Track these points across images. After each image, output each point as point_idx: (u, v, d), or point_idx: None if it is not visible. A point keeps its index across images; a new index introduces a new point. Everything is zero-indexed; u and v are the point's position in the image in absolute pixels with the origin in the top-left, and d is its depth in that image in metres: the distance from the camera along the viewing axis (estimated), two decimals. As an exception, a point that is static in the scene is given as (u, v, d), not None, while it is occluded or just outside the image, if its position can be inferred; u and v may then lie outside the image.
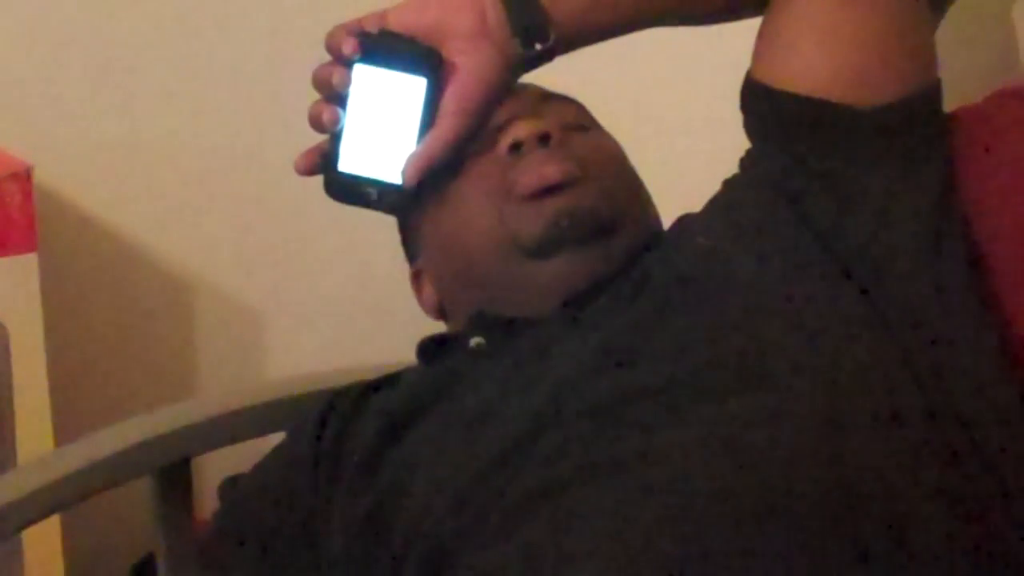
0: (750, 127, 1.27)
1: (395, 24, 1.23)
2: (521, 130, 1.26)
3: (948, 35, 1.43)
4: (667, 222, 1.31)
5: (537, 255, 1.23)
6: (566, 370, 1.14)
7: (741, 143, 1.27)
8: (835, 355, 1.09)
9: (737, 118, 1.28)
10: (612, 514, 1.02)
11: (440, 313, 1.36)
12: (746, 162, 1.27)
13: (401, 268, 1.39)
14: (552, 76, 1.29)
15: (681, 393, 1.08)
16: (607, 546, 1.01)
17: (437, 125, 1.22)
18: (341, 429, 1.29)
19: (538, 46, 1.23)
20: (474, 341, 1.26)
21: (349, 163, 1.24)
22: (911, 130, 1.22)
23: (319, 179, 1.25)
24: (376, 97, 1.23)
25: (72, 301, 2.31)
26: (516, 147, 1.26)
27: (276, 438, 1.40)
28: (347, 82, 1.22)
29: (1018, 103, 1.31)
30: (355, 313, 2.58)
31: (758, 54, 1.27)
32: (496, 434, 1.13)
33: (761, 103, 1.25)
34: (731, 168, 1.27)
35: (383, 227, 1.39)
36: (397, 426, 1.23)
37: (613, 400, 1.10)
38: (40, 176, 2.06)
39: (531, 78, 1.29)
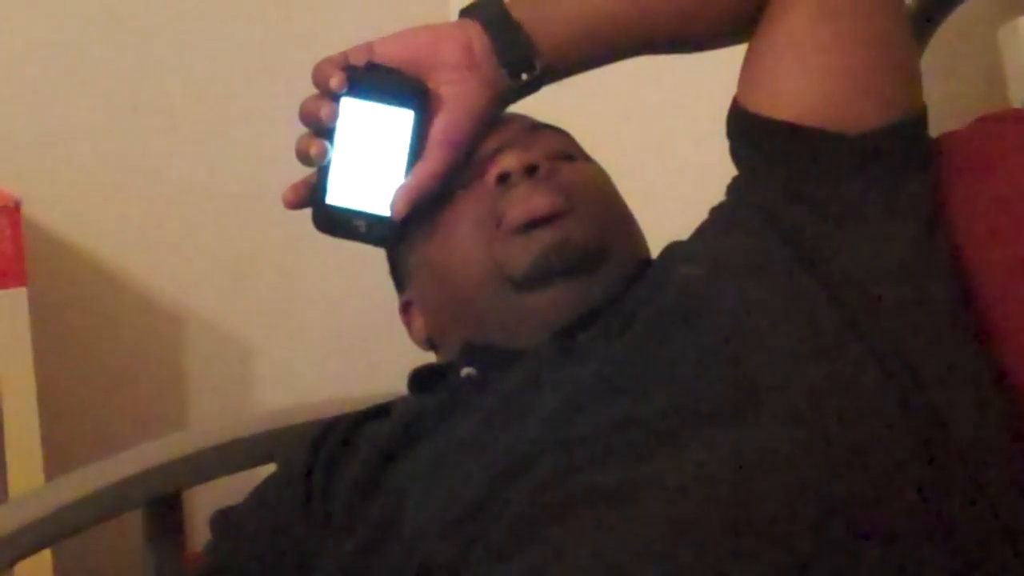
0: (736, 154, 1.27)
1: (381, 56, 1.24)
2: (508, 161, 1.26)
3: (934, 60, 1.43)
4: (655, 250, 1.31)
5: (526, 288, 1.23)
6: (557, 401, 1.13)
7: (728, 170, 1.28)
8: (824, 383, 1.09)
9: (724, 145, 1.28)
10: (604, 544, 1.01)
11: (430, 344, 1.35)
12: (733, 189, 1.27)
13: (390, 299, 1.39)
14: (539, 106, 1.30)
15: (672, 423, 1.07)
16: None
17: (425, 157, 1.23)
18: (332, 460, 1.29)
19: (524, 76, 1.24)
20: (465, 372, 1.26)
21: (337, 196, 1.24)
22: (897, 156, 1.22)
23: (308, 212, 1.26)
24: (363, 130, 1.23)
25: (62, 334, 2.31)
26: (504, 178, 1.26)
27: (267, 470, 1.40)
28: (334, 115, 1.23)
29: (1004, 128, 1.31)
30: (345, 344, 2.58)
31: (744, 81, 1.27)
32: (488, 464, 1.12)
33: (747, 130, 1.25)
34: (718, 195, 1.28)
35: (372, 259, 1.39)
36: (389, 456, 1.23)
37: (604, 430, 1.09)
38: (29, 210, 2.06)
39: (518, 108, 1.29)
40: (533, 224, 1.23)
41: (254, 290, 2.54)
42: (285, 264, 2.52)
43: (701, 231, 1.27)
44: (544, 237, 1.23)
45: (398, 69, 1.23)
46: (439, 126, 1.23)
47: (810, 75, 1.22)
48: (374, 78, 1.23)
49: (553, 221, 1.24)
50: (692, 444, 1.05)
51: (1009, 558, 1.08)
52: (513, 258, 1.23)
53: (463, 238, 1.26)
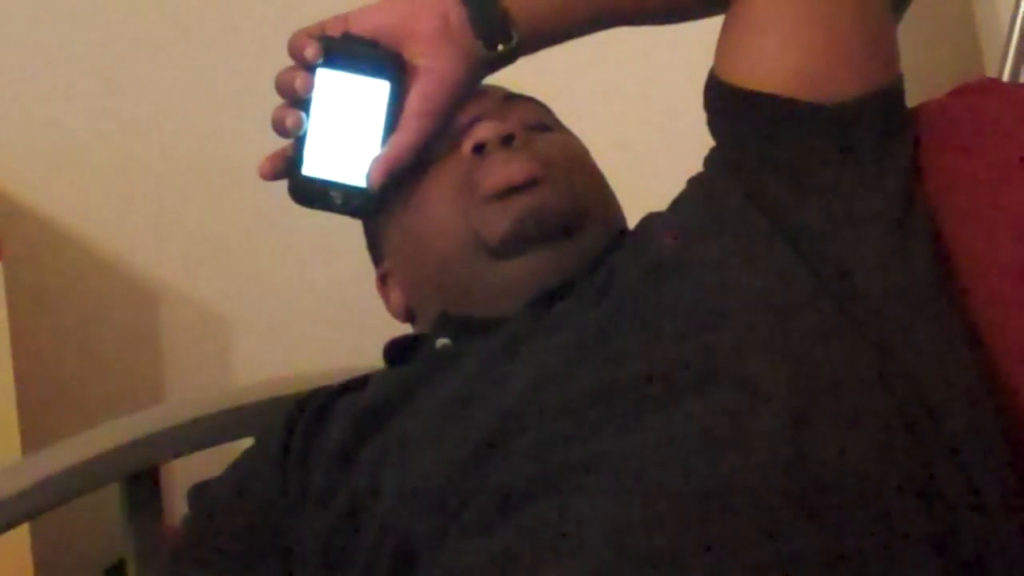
0: (714, 125, 1.27)
1: (357, 27, 1.23)
2: (484, 131, 1.27)
3: (911, 30, 1.43)
4: (632, 221, 1.31)
5: (502, 255, 1.24)
6: (534, 370, 1.13)
7: (706, 140, 1.27)
8: (804, 353, 1.09)
9: (701, 116, 1.28)
10: (584, 515, 1.01)
11: (407, 316, 1.36)
12: (710, 160, 1.27)
13: (367, 272, 1.39)
14: (515, 76, 1.29)
15: (650, 392, 1.08)
16: (579, 548, 1.00)
17: (401, 128, 1.23)
18: (310, 432, 1.29)
19: (501, 47, 1.23)
20: (440, 342, 1.26)
21: (313, 167, 1.24)
22: (875, 126, 1.21)
23: (284, 184, 1.25)
24: (339, 101, 1.23)
25: (38, 309, 2.31)
26: (480, 148, 1.26)
27: (245, 443, 1.40)
28: (310, 86, 1.22)
29: (981, 97, 1.31)
30: (322, 318, 2.58)
31: (721, 52, 1.27)
32: (465, 434, 1.12)
33: (725, 101, 1.25)
34: (696, 166, 1.27)
35: (348, 231, 1.39)
36: (366, 428, 1.23)
37: (582, 400, 1.09)
38: (4, 184, 2.06)
39: (494, 79, 1.29)
40: (509, 191, 1.24)
41: (231, 264, 2.54)
42: (262, 237, 2.52)
43: (678, 202, 1.27)
44: (520, 203, 1.23)
45: (374, 40, 1.23)
46: (415, 97, 1.22)
47: (787, 45, 1.22)
48: (350, 49, 1.22)
49: (529, 188, 1.24)
50: (667, 416, 1.06)
51: (994, 539, 1.08)
52: (490, 224, 1.24)
53: (439, 207, 1.26)
